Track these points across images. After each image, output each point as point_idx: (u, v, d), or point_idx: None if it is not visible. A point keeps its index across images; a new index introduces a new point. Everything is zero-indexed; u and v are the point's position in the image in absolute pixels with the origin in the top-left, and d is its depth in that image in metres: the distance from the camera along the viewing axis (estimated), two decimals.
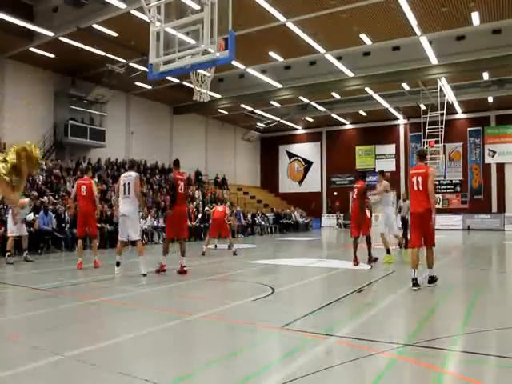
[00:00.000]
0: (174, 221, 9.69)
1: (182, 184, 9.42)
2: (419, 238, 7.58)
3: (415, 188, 7.57)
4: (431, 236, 7.58)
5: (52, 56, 21.00)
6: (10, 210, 12.31)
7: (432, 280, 7.61)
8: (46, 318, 5.81)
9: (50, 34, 18.38)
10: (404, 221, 14.92)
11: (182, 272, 9.37)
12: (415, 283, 7.33)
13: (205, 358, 4.18)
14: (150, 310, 6.28)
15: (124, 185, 9.08)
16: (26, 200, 5.95)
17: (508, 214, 30.45)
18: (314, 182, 38.86)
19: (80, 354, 4.12)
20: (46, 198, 16.79)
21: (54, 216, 15.28)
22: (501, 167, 32.19)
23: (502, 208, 31.42)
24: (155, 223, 19.55)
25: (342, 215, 35.25)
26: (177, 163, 9.87)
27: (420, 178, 7.53)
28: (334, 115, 34.22)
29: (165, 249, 9.73)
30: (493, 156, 32.41)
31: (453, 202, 33.25)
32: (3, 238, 13.50)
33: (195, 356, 4.28)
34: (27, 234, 12.76)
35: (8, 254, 11.94)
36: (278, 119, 34.85)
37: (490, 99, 29.05)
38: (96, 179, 21.91)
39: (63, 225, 15.58)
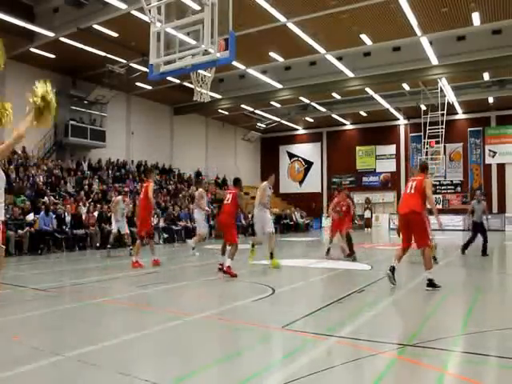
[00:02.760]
0: (220, 227, 10.74)
1: (228, 196, 9.98)
2: (406, 240, 7.61)
3: (408, 191, 7.61)
4: (420, 238, 7.45)
5: (52, 56, 21.03)
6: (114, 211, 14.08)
7: (430, 284, 7.33)
8: (46, 319, 5.81)
9: (51, 34, 18.40)
10: (476, 226, 13.33)
11: (227, 272, 9.10)
12: (391, 269, 7.62)
13: (205, 359, 4.17)
14: (150, 310, 6.28)
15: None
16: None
17: (508, 215, 30.42)
18: (314, 183, 38.89)
19: (80, 355, 4.12)
20: (46, 199, 16.80)
21: (54, 216, 15.28)
22: (501, 167, 32.19)
23: (502, 208, 31.41)
24: (156, 223, 19.51)
25: None
26: (234, 181, 10.42)
27: (415, 183, 7.56)
28: (334, 115, 34.22)
29: (221, 249, 9.90)
30: (493, 156, 32.41)
31: (453, 202, 33.25)
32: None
33: (195, 356, 4.28)
34: (129, 231, 14.44)
35: (108, 246, 14.00)
36: (278, 119, 34.85)
37: (491, 99, 29.04)
38: (97, 180, 22.00)
39: (63, 225, 15.56)
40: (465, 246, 13.48)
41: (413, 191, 7.48)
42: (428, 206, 7.85)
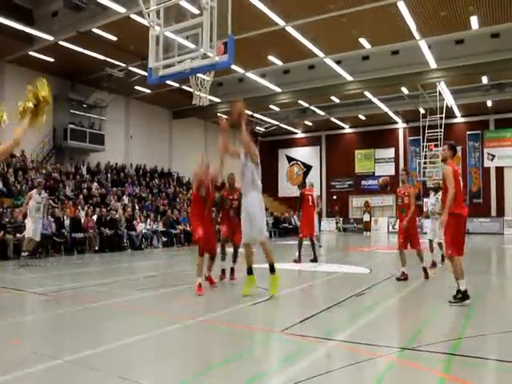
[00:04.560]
0: (308, 221, 12.48)
1: (310, 198, 12.75)
2: (464, 243, 6.73)
3: (462, 189, 6.65)
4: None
5: (51, 60, 21.03)
6: (29, 210, 12.02)
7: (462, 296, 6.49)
8: (45, 323, 5.80)
9: (50, 38, 18.41)
10: None
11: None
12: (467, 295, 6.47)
13: (204, 363, 4.17)
14: (149, 314, 6.26)
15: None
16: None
17: (507, 218, 30.44)
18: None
19: (79, 359, 4.11)
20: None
21: (53, 220, 15.25)
22: (500, 171, 32.21)
23: (501, 212, 31.42)
24: (154, 227, 19.51)
25: (341, 219, 35.25)
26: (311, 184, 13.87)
27: (461, 178, 6.69)
28: (333, 119, 34.25)
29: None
30: (492, 160, 32.42)
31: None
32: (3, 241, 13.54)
33: (194, 360, 4.27)
34: (39, 239, 12.58)
35: (25, 253, 12.03)
36: (277, 123, 34.86)
37: (489, 103, 29.09)
38: (96, 183, 21.98)
39: (63, 229, 15.51)
40: None
41: (462, 189, 6.70)
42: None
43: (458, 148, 33.01)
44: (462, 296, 6.42)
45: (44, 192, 12.91)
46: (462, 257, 6.66)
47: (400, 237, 8.88)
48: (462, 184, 6.66)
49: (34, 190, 12.38)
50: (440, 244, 11.09)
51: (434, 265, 10.86)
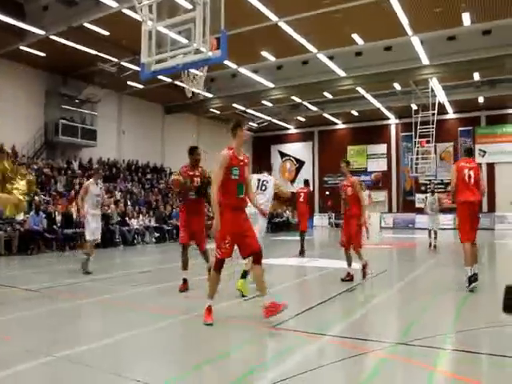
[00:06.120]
0: (300, 217, 14.14)
1: (302, 195, 13.82)
2: (471, 230, 7.31)
3: (466, 180, 7.39)
4: (476, 229, 7.44)
5: (43, 55, 20.86)
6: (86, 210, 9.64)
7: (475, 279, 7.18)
8: (38, 319, 5.78)
9: (41, 32, 18.25)
10: None
11: None
12: (473, 279, 7.06)
13: (197, 358, 4.17)
14: (143, 309, 6.26)
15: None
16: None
17: (498, 214, 30.66)
18: None
19: (72, 355, 4.10)
20: (36, 198, 16.66)
21: (44, 216, 15.16)
22: (491, 167, 32.38)
23: (491, 207, 31.63)
24: (147, 222, 19.45)
25: (333, 214, 35.33)
26: (305, 182, 15.19)
27: (472, 172, 7.41)
28: (325, 115, 34.28)
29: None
30: (483, 156, 32.58)
31: (443, 201, 33.37)
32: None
33: (188, 356, 4.27)
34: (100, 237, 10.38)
35: (87, 258, 9.70)
36: (269, 119, 34.83)
37: (481, 99, 29.22)
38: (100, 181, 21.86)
39: (54, 224, 15.42)
40: None
41: (472, 181, 7.37)
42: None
43: (449, 144, 33.22)
44: (468, 280, 7.00)
45: (101, 182, 10.47)
46: (469, 243, 7.14)
47: (343, 234, 8.70)
48: (467, 174, 7.35)
49: (91, 180, 9.91)
50: (435, 232, 15.50)
51: (434, 247, 15.06)
